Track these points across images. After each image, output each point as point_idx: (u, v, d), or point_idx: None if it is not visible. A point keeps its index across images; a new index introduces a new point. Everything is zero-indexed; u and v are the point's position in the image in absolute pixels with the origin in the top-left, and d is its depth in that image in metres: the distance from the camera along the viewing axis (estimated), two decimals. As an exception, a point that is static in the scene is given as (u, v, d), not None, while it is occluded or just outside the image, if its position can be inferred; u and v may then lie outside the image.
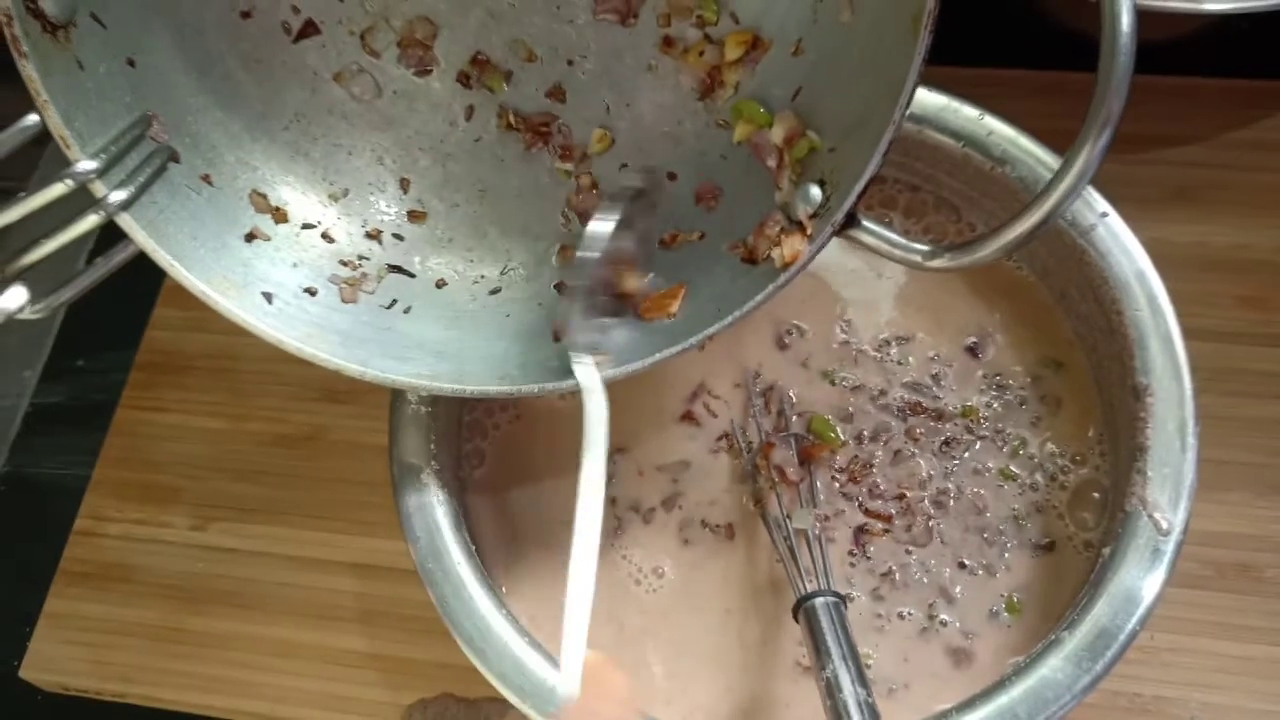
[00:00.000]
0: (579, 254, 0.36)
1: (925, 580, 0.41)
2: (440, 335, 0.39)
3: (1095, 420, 0.42)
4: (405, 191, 0.41)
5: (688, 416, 0.45)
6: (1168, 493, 0.36)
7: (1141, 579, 0.35)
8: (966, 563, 0.41)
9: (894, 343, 0.45)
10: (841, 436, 0.44)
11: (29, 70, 0.32)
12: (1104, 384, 0.42)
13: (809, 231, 0.34)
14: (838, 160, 0.35)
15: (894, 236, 0.34)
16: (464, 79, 0.40)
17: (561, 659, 0.29)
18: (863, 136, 0.33)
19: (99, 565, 0.52)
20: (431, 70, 0.40)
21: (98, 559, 0.52)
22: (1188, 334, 0.39)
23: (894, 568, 0.41)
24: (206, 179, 0.38)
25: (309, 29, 0.39)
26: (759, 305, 0.34)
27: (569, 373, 0.35)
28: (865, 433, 0.44)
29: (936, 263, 0.33)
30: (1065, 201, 0.30)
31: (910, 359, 0.45)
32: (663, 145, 0.40)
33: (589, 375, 0.34)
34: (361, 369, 0.37)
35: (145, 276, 0.41)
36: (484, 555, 0.42)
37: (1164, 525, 0.35)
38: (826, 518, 0.42)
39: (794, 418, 0.44)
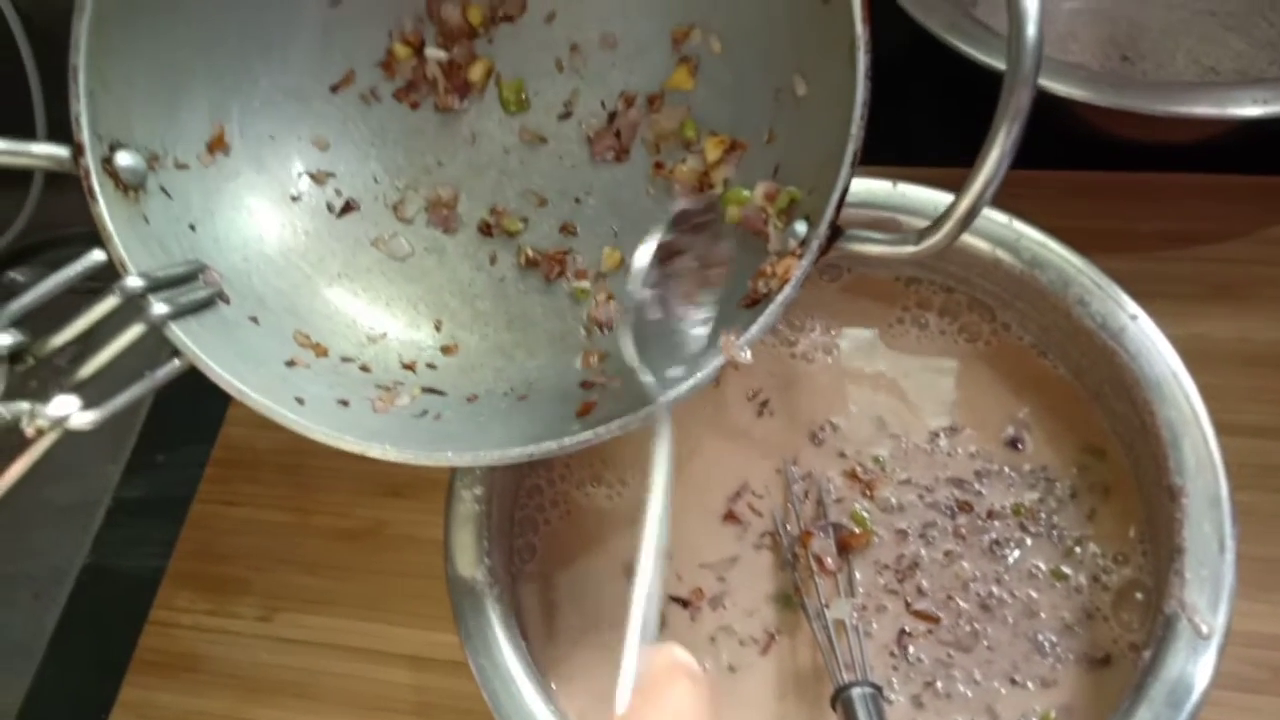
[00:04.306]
0: (629, 290, 0.36)
1: (970, 694, 0.41)
2: (468, 433, 0.42)
3: (1136, 519, 0.42)
4: (438, 330, 0.45)
5: (731, 516, 0.46)
6: (1206, 595, 0.36)
7: (1184, 683, 0.35)
8: (1017, 678, 0.41)
9: (943, 435, 0.46)
10: (877, 529, 0.44)
11: (99, 211, 0.37)
12: (1142, 482, 0.42)
13: (799, 254, 0.37)
14: (816, 197, 0.38)
15: (879, 236, 0.37)
16: (485, 228, 0.45)
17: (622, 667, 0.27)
18: (833, 165, 0.36)
19: (171, 655, 0.54)
20: (456, 227, 0.45)
21: (170, 649, 0.54)
22: (1232, 430, 0.39)
23: (937, 678, 0.41)
24: (254, 320, 0.41)
25: (349, 208, 0.45)
26: (771, 323, 0.37)
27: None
28: (911, 529, 0.44)
29: (923, 245, 0.36)
30: (989, 188, 0.34)
31: (959, 450, 0.46)
32: None
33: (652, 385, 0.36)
34: (382, 449, 0.38)
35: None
36: (534, 650, 0.43)
37: (1204, 630, 0.35)
38: (864, 607, 0.43)
39: (833, 504, 0.45)
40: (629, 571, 0.46)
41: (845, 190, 0.36)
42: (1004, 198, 0.45)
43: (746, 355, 0.36)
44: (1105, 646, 0.40)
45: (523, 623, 0.43)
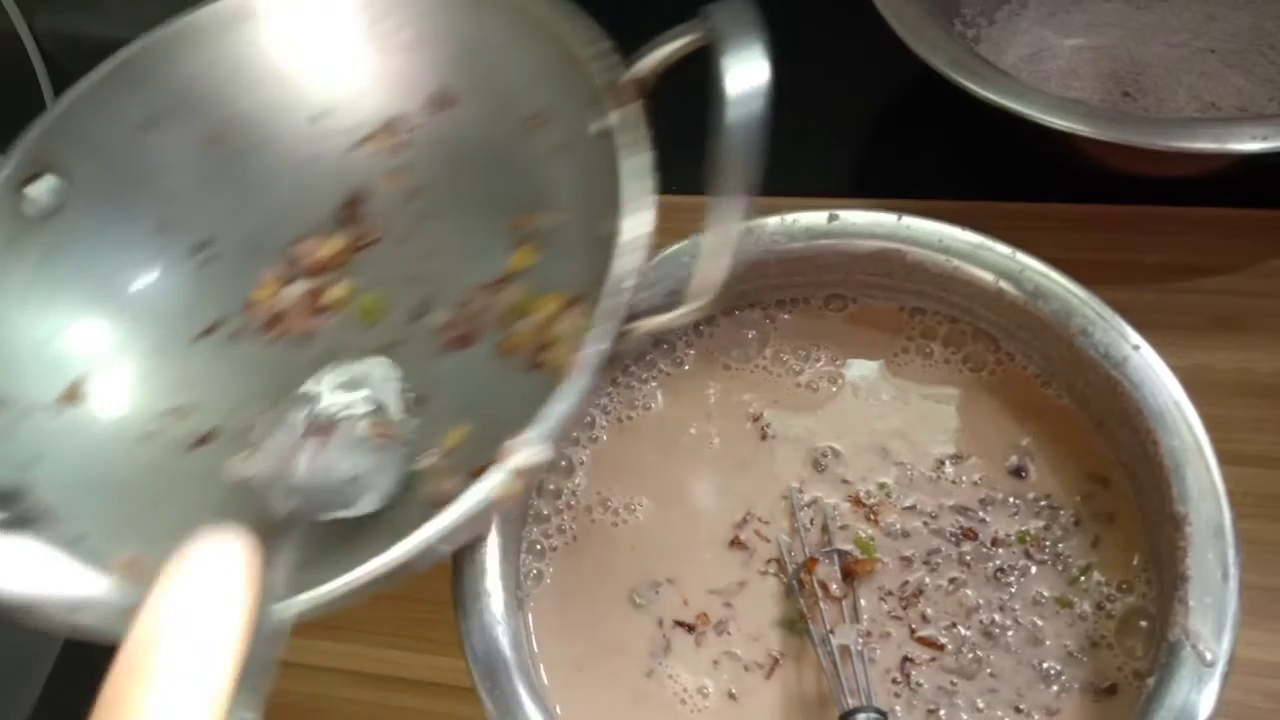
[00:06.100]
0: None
1: (974, 724, 0.41)
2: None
3: (1140, 547, 0.42)
4: None
5: (737, 542, 0.46)
6: (1210, 623, 0.36)
7: (1188, 711, 0.35)
8: (1021, 706, 0.41)
9: (947, 462, 0.47)
10: (881, 555, 0.45)
11: None
12: (1146, 510, 0.42)
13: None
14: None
15: (660, 307, 0.37)
16: None
17: None
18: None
19: (180, 678, 0.54)
20: None
21: (179, 672, 0.55)
22: (1235, 459, 0.40)
23: (940, 706, 0.41)
24: (77, 540, 0.38)
25: (205, 439, 0.44)
26: (565, 412, 0.35)
27: None
28: (916, 556, 0.45)
29: (690, 306, 0.36)
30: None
31: (963, 478, 0.46)
32: (514, 418, 0.40)
33: None
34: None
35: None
36: (541, 675, 0.43)
37: (1208, 657, 0.35)
38: (868, 633, 0.43)
39: (838, 531, 0.45)
40: (634, 598, 0.46)
41: (625, 282, 0.35)
42: (1007, 230, 0.46)
43: (538, 454, 0.35)
44: (1110, 675, 0.41)
45: (530, 647, 0.44)
